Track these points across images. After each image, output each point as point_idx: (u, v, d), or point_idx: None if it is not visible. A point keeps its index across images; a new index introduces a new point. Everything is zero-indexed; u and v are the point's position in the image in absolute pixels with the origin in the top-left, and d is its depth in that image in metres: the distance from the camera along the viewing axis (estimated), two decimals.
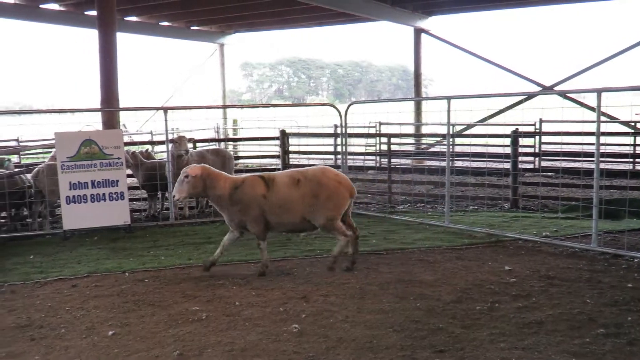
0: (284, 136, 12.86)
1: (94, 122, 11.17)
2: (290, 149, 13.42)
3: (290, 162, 13.52)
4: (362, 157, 17.31)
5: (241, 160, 17.72)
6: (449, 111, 9.40)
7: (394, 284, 6.51)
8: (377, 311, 5.62)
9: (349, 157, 11.83)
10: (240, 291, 6.38)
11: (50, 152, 11.86)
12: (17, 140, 15.25)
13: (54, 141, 9.81)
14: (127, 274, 7.27)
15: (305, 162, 15.64)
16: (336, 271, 7.01)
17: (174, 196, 7.03)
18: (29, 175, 10.35)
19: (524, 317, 5.36)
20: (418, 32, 21.33)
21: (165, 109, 10.73)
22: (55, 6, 18.69)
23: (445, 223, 9.65)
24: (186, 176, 6.82)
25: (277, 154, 13.26)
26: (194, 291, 6.41)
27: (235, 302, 5.96)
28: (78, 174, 9.42)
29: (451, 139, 10.05)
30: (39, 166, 10.25)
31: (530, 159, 16.23)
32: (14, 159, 13.09)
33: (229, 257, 7.90)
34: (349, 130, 11.59)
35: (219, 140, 18.64)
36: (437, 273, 6.92)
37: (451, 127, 9.84)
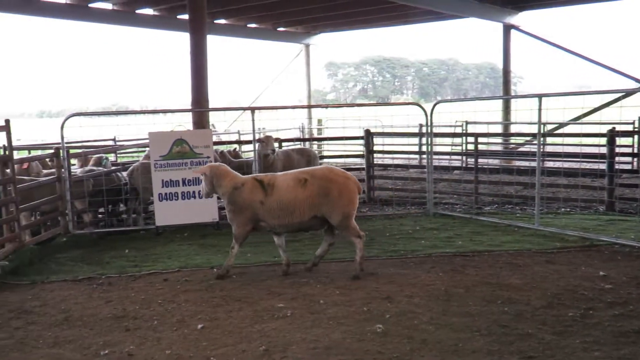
0: (368, 136, 12.85)
1: (185, 122, 11.57)
2: (375, 148, 13.38)
3: (375, 162, 13.49)
4: (447, 156, 17.01)
5: (325, 160, 17.84)
6: (539, 110, 9.09)
7: (481, 286, 6.37)
8: (463, 314, 5.51)
9: (434, 156, 11.66)
10: (325, 290, 6.43)
11: (144, 151, 12.40)
12: (114, 139, 16.00)
13: (147, 140, 10.24)
14: (215, 269, 7.48)
15: (389, 161, 15.56)
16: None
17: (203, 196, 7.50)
18: (124, 173, 10.84)
19: (621, 326, 5.10)
20: (507, 28, 20.72)
21: (252, 109, 10.96)
22: (149, 11, 19.52)
23: (535, 225, 9.34)
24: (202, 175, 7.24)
25: (362, 153, 13.26)
26: (279, 288, 6.53)
27: (320, 301, 6.02)
28: (170, 172, 9.79)
29: (542, 139, 9.70)
30: (134, 164, 10.73)
31: (628, 159, 15.39)
32: (111, 157, 13.75)
33: (313, 255, 7.97)
34: (435, 130, 11.43)
35: (303, 140, 18.85)
36: (526, 277, 6.70)
37: (542, 126, 9.50)
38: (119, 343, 5.09)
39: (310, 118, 25.20)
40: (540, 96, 9.10)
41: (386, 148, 14.90)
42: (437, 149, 12.92)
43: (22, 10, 16.95)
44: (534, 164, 9.78)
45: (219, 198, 8.14)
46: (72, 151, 10.43)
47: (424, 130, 11.65)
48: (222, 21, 21.78)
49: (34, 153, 14.87)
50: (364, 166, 12.96)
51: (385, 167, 15.24)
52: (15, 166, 8.59)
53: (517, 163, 16.21)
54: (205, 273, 7.32)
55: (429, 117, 10.91)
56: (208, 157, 9.93)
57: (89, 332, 5.40)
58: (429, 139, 11.02)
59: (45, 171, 10.95)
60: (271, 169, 10.87)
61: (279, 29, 24.28)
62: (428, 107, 11.20)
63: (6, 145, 8.31)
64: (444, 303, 5.85)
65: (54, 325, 5.62)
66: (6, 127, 8.02)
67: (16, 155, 8.66)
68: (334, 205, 6.83)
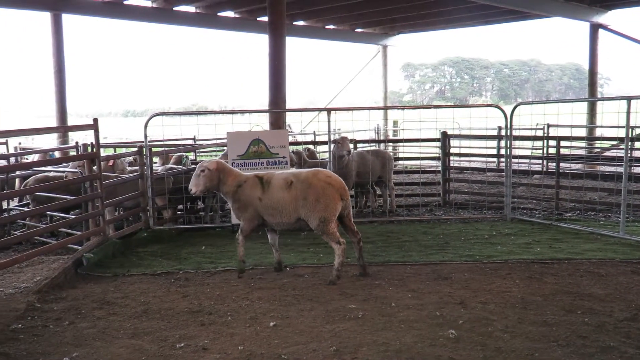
0: (445, 138, 12.66)
1: (262, 123, 11.76)
2: (452, 150, 13.17)
3: (451, 165, 13.27)
4: (527, 160, 16.51)
5: (401, 162, 17.71)
6: (628, 112, 8.68)
7: (560, 295, 6.15)
8: (540, 323, 5.34)
9: (514, 160, 11.35)
10: (397, 292, 6.38)
11: (222, 151, 12.68)
12: (193, 138, 16.47)
13: (226, 140, 10.49)
14: (288, 268, 7.57)
15: (466, 164, 15.27)
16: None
17: (190, 189, 7.34)
18: None
19: None
20: (595, 27, 19.91)
21: (328, 110, 11.01)
22: (230, 13, 19.99)
23: (620, 234, 8.92)
24: (202, 170, 7.18)
25: (438, 155, 13.08)
26: (350, 289, 6.53)
27: (391, 303, 5.98)
28: (247, 172, 9.95)
29: (630, 143, 9.25)
30: None
31: None
32: (191, 156, 14.15)
33: (386, 257, 7.95)
34: (515, 133, 11.12)
35: (379, 142, 18.77)
36: (608, 287, 6.42)
37: (631, 129, 9.07)
38: (195, 337, 5.24)
39: (386, 119, 25.09)
40: (629, 98, 8.69)
41: (463, 151, 14.62)
42: (516, 152, 12.55)
43: (111, 14, 17.77)
44: (620, 169, 9.35)
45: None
46: (154, 149, 10.81)
47: (503, 132, 11.36)
48: (301, 23, 22.03)
49: (118, 151, 15.54)
50: (440, 169, 12.78)
51: (461, 170, 14.97)
52: (102, 163, 8.99)
53: (602, 168, 15.54)
54: (279, 271, 7.41)
55: (509, 120, 10.63)
56: (284, 157, 10.06)
57: (166, 324, 5.58)
58: (509, 141, 10.74)
59: (129, 168, 11.42)
60: (345, 170, 10.90)
61: (356, 30, 24.31)
62: (508, 109, 10.91)
63: (94, 143, 8.71)
64: (520, 311, 5.68)
65: (134, 316, 5.84)
66: (94, 126, 8.41)
67: (102, 153, 9.06)
68: (311, 209, 6.86)
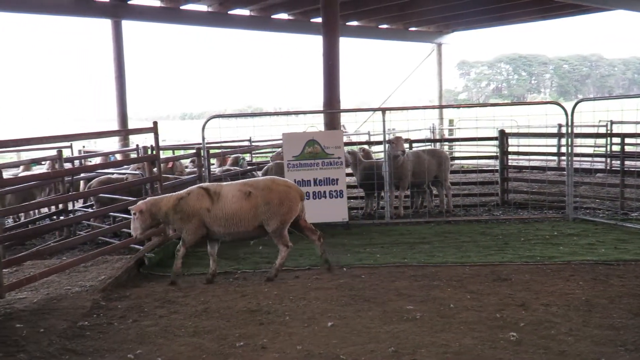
0: (503, 136, 12.41)
1: (317, 123, 11.81)
2: (510, 149, 12.90)
3: (510, 164, 13.00)
4: (589, 158, 16.03)
5: (457, 161, 17.47)
6: None
7: (627, 298, 5.94)
8: (606, 326, 5.17)
9: (575, 158, 11.03)
10: (455, 293, 6.30)
11: (274, 151, 12.81)
12: (249, 140, 16.69)
13: (281, 141, 10.58)
14: (344, 268, 7.57)
15: (525, 163, 14.93)
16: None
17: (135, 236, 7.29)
18: (259, 173, 11.26)
19: None
20: None
21: (383, 110, 10.97)
22: (284, 15, 20.17)
23: None
24: (134, 213, 7.08)
25: (495, 154, 12.84)
26: (408, 290, 6.48)
27: (450, 304, 5.91)
28: (302, 172, 10.05)
29: None
30: (268, 164, 11.13)
31: None
32: (247, 157, 14.34)
33: (443, 258, 7.86)
34: (576, 130, 10.81)
35: (434, 141, 18.58)
36: None
37: None
38: (254, 336, 5.30)
39: (441, 118, 24.81)
40: None
41: (522, 149, 14.30)
42: (577, 150, 12.21)
43: (168, 19, 18.23)
44: None
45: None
46: (211, 151, 11.00)
47: (563, 130, 11.07)
48: (354, 23, 22.02)
49: (177, 153, 15.88)
50: (498, 168, 12.54)
51: (520, 169, 14.65)
52: (161, 165, 9.21)
53: None
54: (335, 272, 7.42)
55: (569, 117, 10.34)
56: (339, 158, 10.08)
57: (225, 323, 5.67)
58: (570, 139, 10.44)
59: (187, 170, 11.67)
60: (401, 170, 10.84)
61: (410, 29, 24.13)
62: (568, 106, 10.61)
63: (154, 145, 8.93)
64: (585, 314, 5.52)
65: (194, 315, 5.96)
66: (154, 129, 8.62)
67: (162, 155, 9.28)
68: (273, 213, 7.01)
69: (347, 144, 12.80)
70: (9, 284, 6.60)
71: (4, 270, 6.71)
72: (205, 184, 7.52)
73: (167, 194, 7.47)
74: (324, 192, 10.07)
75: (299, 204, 7.26)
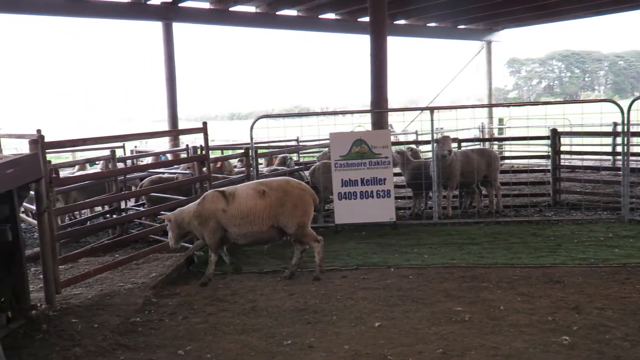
0: (555, 135, 12.12)
1: (364, 123, 11.78)
2: (562, 148, 12.60)
3: (562, 163, 12.70)
4: None
5: (507, 161, 17.15)
6: None
7: None
8: None
9: (632, 158, 10.68)
10: (505, 295, 6.19)
11: (321, 151, 12.83)
12: (296, 140, 16.77)
13: (328, 141, 10.60)
14: (392, 269, 7.54)
15: (578, 162, 14.56)
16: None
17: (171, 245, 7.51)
18: (306, 172, 11.31)
19: None
20: None
21: (431, 109, 10.86)
22: (332, 15, 20.20)
23: None
24: (165, 224, 7.48)
25: (547, 154, 12.56)
26: (457, 291, 6.41)
27: (500, 307, 5.81)
28: (349, 172, 10.04)
29: None
30: (315, 164, 11.16)
31: None
32: (294, 157, 14.42)
33: (493, 259, 7.73)
34: (632, 129, 10.47)
35: (483, 140, 18.29)
36: None
37: None
38: (301, 335, 5.33)
39: (491, 117, 24.43)
40: None
41: (574, 148, 13.96)
42: (634, 149, 11.82)
43: (218, 21, 18.49)
44: None
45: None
46: (259, 151, 11.10)
47: (619, 129, 10.74)
48: (402, 22, 21.89)
49: (225, 153, 16.09)
50: (549, 168, 12.25)
51: (573, 168, 14.29)
52: (210, 165, 9.34)
53: None
54: (383, 272, 7.40)
55: (625, 115, 10.03)
56: (386, 158, 10.02)
57: (273, 322, 5.72)
58: (626, 138, 10.12)
59: (236, 170, 11.81)
60: (449, 170, 10.71)
61: (459, 27, 23.83)
62: (624, 103, 10.28)
63: (203, 145, 9.07)
64: None
65: (242, 313, 6.03)
66: (204, 129, 8.76)
67: (211, 155, 9.41)
68: (289, 215, 7.08)
69: (394, 143, 12.73)
70: (65, 280, 6.82)
71: (60, 266, 6.94)
72: (222, 188, 7.65)
73: (188, 205, 7.65)
74: (371, 192, 10.03)
75: (312, 207, 7.35)
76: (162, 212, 8.00)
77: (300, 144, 16.27)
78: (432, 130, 10.79)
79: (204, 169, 8.95)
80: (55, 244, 6.61)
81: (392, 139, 13.82)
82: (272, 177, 8.74)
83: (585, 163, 14.46)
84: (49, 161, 6.73)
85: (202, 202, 7.32)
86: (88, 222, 10.88)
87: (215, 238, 7.29)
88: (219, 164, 11.21)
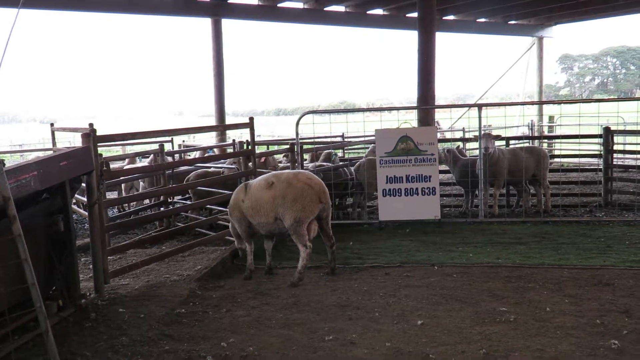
0: (608, 133, 11.79)
1: (410, 120, 11.69)
2: (615, 147, 12.24)
3: (615, 163, 12.35)
4: None
5: (557, 159, 16.76)
6: None
7: None
8: None
9: None
10: (552, 297, 6.06)
11: (367, 148, 12.79)
12: (342, 136, 16.77)
13: (374, 137, 10.56)
14: (436, 267, 7.47)
15: (632, 162, 14.12)
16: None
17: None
18: (351, 169, 11.29)
19: None
20: None
21: (479, 106, 10.70)
22: (380, 11, 20.10)
23: None
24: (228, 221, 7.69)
25: (599, 153, 12.22)
26: (502, 291, 6.30)
27: (546, 308, 5.69)
28: (394, 169, 9.98)
29: None
30: (360, 160, 11.15)
31: None
32: (339, 153, 14.42)
33: (540, 260, 7.58)
34: None
35: (533, 138, 17.93)
36: None
37: None
38: (343, 330, 5.34)
39: (541, 115, 23.91)
40: None
41: (628, 147, 13.54)
42: None
43: (266, 17, 18.65)
44: None
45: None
46: (304, 147, 11.14)
47: None
48: (451, 17, 21.61)
49: (271, 148, 16.22)
50: (601, 167, 11.92)
51: (626, 168, 13.88)
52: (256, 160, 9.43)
53: None
54: (426, 270, 7.34)
55: None
56: (432, 155, 9.93)
57: (315, 317, 5.74)
58: None
59: (281, 165, 11.88)
60: (495, 168, 10.54)
61: (510, 22, 23.38)
62: None
63: (249, 140, 9.16)
64: None
65: (285, 308, 6.07)
66: (250, 124, 8.84)
67: (256, 150, 9.51)
68: (288, 208, 6.93)
69: (440, 140, 12.59)
70: (114, 270, 7.00)
71: (109, 257, 7.13)
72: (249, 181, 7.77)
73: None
74: (417, 189, 9.96)
75: (318, 206, 7.03)
76: (208, 206, 8.15)
77: (346, 140, 16.26)
78: (479, 127, 10.62)
79: (250, 163, 9.04)
80: (105, 235, 6.80)
81: (439, 136, 13.67)
82: (285, 170, 8.69)
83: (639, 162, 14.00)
84: (100, 154, 6.90)
85: (232, 195, 7.54)
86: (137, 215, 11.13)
87: (242, 228, 7.43)
88: (262, 159, 11.31)
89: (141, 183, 12.04)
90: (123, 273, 7.16)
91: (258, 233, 7.51)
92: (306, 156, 12.50)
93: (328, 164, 11.42)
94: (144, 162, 13.80)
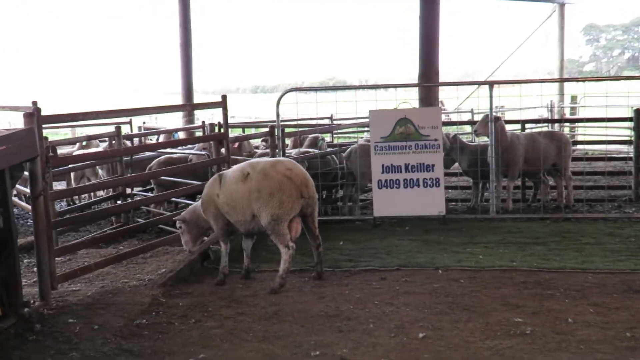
0: (639, 117, 11.88)
1: (410, 99, 11.70)
2: None
3: None
4: None
5: (580, 146, 16.90)
6: None
7: None
8: None
9: None
10: (575, 306, 6.12)
11: (363, 132, 12.79)
12: (330, 118, 16.77)
13: (367, 119, 10.56)
14: (440, 271, 7.50)
15: None
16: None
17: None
18: (342, 156, 11.29)
19: None
20: None
21: (490, 83, 10.73)
22: None
23: None
24: (179, 227, 7.53)
25: (629, 139, 12.33)
26: (516, 299, 6.35)
27: (568, 319, 5.75)
28: (391, 156, 9.99)
29: None
30: (351, 146, 11.14)
31: None
32: (327, 137, 14.43)
33: (561, 263, 7.65)
34: None
35: (553, 121, 18.07)
36: None
37: None
38: (331, 345, 5.35)
39: (562, 94, 24.07)
40: None
41: None
42: None
43: None
44: None
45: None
46: (287, 130, 11.12)
47: None
48: None
49: (247, 132, 16.18)
50: (632, 155, 12.02)
51: None
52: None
53: None
54: (429, 275, 7.38)
55: None
56: (436, 140, 9.94)
57: (299, 329, 5.75)
58: None
59: (258, 151, 11.85)
60: (508, 156, 10.58)
61: None
62: None
63: (222, 122, 9.11)
64: None
65: (264, 318, 6.07)
66: (222, 103, 8.78)
67: (230, 133, 9.47)
68: (263, 204, 6.83)
69: (445, 123, 12.63)
70: (63, 274, 6.96)
71: (56, 258, 7.08)
72: (225, 171, 7.72)
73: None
74: (417, 179, 9.98)
75: (299, 201, 6.93)
76: (174, 199, 8.12)
77: (335, 122, 16.26)
78: (490, 108, 10.64)
79: (222, 149, 9.00)
80: (52, 232, 6.74)
81: (443, 118, 13.72)
82: (262, 159, 8.67)
83: None
84: (46, 137, 6.84)
85: (205, 188, 7.49)
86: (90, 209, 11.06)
87: (219, 226, 7.37)
88: (235, 145, 11.25)
89: (99, 171, 11.94)
90: (74, 277, 7.12)
91: (237, 231, 7.49)
92: (288, 141, 12.49)
93: (314, 150, 11.41)
94: (100, 148, 13.71)
